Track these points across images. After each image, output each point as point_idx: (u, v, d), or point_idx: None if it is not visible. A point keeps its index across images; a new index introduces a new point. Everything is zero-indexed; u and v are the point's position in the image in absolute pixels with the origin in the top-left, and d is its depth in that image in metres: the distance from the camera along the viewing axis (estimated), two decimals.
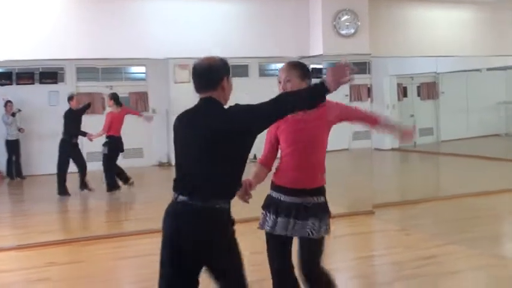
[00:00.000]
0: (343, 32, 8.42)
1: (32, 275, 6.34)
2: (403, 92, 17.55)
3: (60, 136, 10.91)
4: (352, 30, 8.46)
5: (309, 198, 3.90)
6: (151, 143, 14.19)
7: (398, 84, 17.33)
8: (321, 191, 3.97)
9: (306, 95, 3.34)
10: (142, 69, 15.20)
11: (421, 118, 17.24)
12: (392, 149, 17.26)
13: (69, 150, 10.83)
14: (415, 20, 9.49)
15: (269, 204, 3.99)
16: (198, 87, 3.49)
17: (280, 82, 3.94)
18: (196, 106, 3.50)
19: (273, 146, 4.06)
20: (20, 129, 13.88)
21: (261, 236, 4.03)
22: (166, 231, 3.35)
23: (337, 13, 8.39)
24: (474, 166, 13.81)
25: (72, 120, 10.92)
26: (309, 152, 3.91)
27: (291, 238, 3.96)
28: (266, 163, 4.07)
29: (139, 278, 6.06)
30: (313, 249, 3.93)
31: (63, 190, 10.71)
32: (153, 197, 10.47)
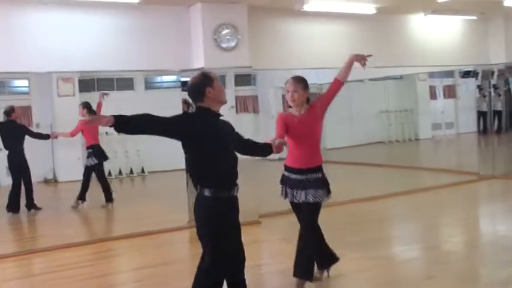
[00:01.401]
0: (224, 46, 8.49)
1: None
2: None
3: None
4: (233, 44, 8.54)
5: (310, 175, 5.37)
6: (36, 159, 13.78)
7: (284, 95, 17.65)
8: (318, 168, 5.44)
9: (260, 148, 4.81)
10: (25, 82, 14.78)
11: None
12: (279, 159, 17.48)
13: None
14: (295, 34, 9.70)
15: (283, 180, 5.57)
16: (193, 102, 4.39)
17: (288, 92, 5.38)
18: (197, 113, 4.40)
19: (283, 129, 5.32)
20: None
21: None
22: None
23: (217, 27, 8.45)
24: (360, 173, 14.23)
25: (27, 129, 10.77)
26: (308, 142, 5.39)
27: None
28: (281, 137, 5.23)
29: None
30: (311, 209, 5.47)
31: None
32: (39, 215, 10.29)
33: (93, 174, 10.88)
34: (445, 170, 13.10)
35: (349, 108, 18.32)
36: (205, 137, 4.18)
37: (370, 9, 9.73)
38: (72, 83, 14.45)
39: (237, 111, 15.72)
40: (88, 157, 10.82)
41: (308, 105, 5.41)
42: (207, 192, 4.23)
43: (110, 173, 15.02)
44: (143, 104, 13.05)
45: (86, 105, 10.82)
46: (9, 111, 10.61)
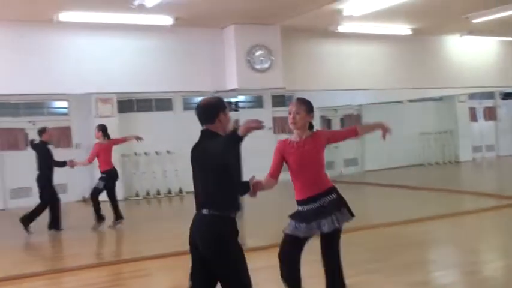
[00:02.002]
0: (257, 67, 8.53)
1: None
2: (327, 124, 17.84)
3: None
4: (266, 65, 8.58)
5: (323, 199, 4.95)
6: (75, 178, 13.97)
7: (322, 117, 17.65)
8: (331, 190, 5.01)
9: (227, 138, 3.98)
10: (64, 103, 15.03)
11: (346, 149, 17.53)
12: None
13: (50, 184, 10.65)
14: (329, 54, 9.70)
15: (294, 215, 5.05)
16: (200, 121, 4.27)
17: (290, 114, 4.98)
18: (200, 136, 4.27)
19: (278, 165, 5.08)
20: None
21: None
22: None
23: (251, 48, 8.51)
24: (398, 195, 14.04)
25: (48, 153, 10.68)
26: (308, 171, 4.99)
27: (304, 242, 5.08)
28: (273, 175, 5.08)
29: None
30: (337, 237, 5.09)
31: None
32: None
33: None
34: (486, 194, 12.82)
35: None
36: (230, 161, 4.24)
37: (405, 30, 9.65)
38: (111, 103, 14.66)
39: (274, 132, 15.86)
40: (99, 180, 10.94)
41: (312, 132, 5.11)
42: (226, 213, 4.21)
43: (137, 194, 15.22)
44: (181, 124, 13.21)
45: (102, 128, 10.96)
46: (40, 132, 10.75)
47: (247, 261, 4.24)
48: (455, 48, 11.06)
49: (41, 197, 10.59)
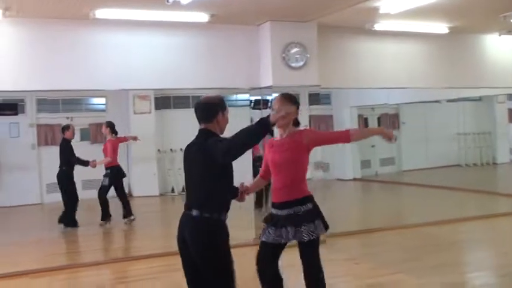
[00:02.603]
0: (292, 64, 8.51)
1: None
2: (364, 123, 17.75)
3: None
4: (302, 63, 8.55)
5: (299, 207, 4.65)
6: None
7: (359, 115, 17.56)
8: (307, 199, 4.70)
9: (254, 127, 3.92)
10: (102, 100, 15.21)
11: (383, 148, 17.42)
12: (355, 179, 17.41)
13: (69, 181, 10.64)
14: (365, 52, 9.60)
15: (267, 218, 4.85)
16: (198, 120, 4.21)
17: (273, 110, 4.62)
18: (196, 136, 4.20)
19: (266, 165, 4.92)
20: None
21: None
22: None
23: (286, 45, 8.49)
24: (434, 196, 13.90)
25: (70, 151, 10.66)
26: (289, 171, 4.67)
27: (282, 247, 4.79)
28: (263, 176, 4.99)
29: None
30: (311, 249, 4.70)
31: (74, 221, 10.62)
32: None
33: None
34: None
35: (425, 130, 18.01)
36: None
37: (443, 28, 9.54)
38: (149, 100, 14.80)
39: None
40: (104, 176, 10.88)
41: (296, 130, 4.79)
42: (216, 215, 4.10)
43: (173, 190, 15.37)
44: None
45: (110, 125, 11.09)
46: (63, 129, 10.84)
47: None
48: (494, 47, 10.86)
49: (63, 194, 10.61)
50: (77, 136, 11.89)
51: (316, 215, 4.70)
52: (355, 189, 16.85)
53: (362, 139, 5.01)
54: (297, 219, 4.62)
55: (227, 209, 4.19)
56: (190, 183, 4.23)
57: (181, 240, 4.17)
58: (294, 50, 8.53)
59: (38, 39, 7.79)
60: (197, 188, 4.14)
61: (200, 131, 4.18)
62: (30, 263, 7.95)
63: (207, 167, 4.04)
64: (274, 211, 4.78)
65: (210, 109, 4.17)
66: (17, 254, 8.84)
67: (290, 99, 4.74)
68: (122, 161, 12.32)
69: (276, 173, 4.76)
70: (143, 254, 8.32)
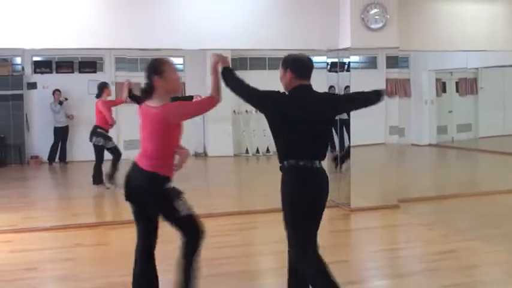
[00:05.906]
0: (371, 26, 8.38)
1: (59, 254, 6.58)
2: (442, 87, 17.38)
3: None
4: (381, 24, 8.40)
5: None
6: (188, 134, 14.34)
7: (437, 79, 17.20)
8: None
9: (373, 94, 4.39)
10: (180, 60, 15.40)
11: (460, 114, 17.09)
12: (430, 145, 17.16)
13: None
14: (445, 14, 9.35)
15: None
16: (304, 76, 4.33)
17: None
18: (302, 91, 4.29)
19: None
20: (68, 116, 14.42)
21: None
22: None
23: (365, 6, 8.36)
24: (511, 163, 13.62)
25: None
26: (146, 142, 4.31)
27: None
28: None
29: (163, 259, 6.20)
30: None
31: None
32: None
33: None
34: None
35: (503, 95, 17.45)
36: None
37: None
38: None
39: (387, 95, 15.58)
40: (98, 136, 10.58)
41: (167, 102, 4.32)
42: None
43: (247, 151, 15.64)
44: None
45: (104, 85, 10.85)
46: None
47: None
48: None
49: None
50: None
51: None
52: (430, 154, 16.61)
53: (219, 86, 4.53)
54: None
55: None
56: (310, 136, 4.22)
57: (316, 195, 4.26)
58: (374, 10, 8.39)
59: None
60: (322, 140, 4.32)
61: (308, 86, 4.33)
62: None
63: (332, 121, 4.42)
64: None
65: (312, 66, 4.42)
66: (93, 206, 9.35)
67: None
68: (196, 121, 12.45)
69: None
70: (220, 212, 8.50)
